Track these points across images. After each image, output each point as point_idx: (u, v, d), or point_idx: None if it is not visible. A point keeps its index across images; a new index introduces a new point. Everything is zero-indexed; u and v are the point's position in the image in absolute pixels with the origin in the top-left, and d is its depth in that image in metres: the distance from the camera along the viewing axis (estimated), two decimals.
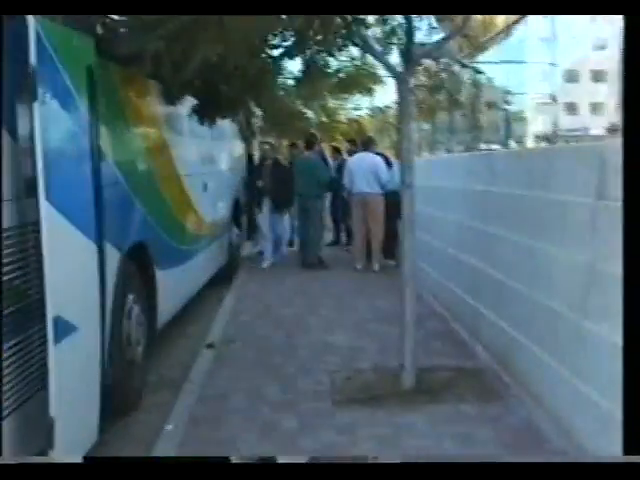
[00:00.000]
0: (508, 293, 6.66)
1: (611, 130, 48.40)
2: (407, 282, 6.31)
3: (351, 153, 15.12)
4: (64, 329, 4.30)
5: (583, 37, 69.42)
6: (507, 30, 15.87)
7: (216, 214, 10.81)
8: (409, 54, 6.07)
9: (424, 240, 9.88)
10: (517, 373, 6.34)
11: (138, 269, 6.59)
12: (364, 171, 12.45)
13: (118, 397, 5.78)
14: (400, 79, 6.08)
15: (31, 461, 2.80)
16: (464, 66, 10.99)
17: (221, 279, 11.41)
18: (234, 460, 2.92)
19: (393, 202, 12.00)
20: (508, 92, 49.66)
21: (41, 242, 4.06)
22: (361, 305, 9.62)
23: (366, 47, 6.14)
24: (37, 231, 4.09)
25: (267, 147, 14.23)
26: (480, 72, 17.36)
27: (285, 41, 6.49)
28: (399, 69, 6.16)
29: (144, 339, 6.61)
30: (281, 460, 3.06)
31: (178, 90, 6.98)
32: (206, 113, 7.67)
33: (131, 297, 6.31)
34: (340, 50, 6.66)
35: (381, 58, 6.19)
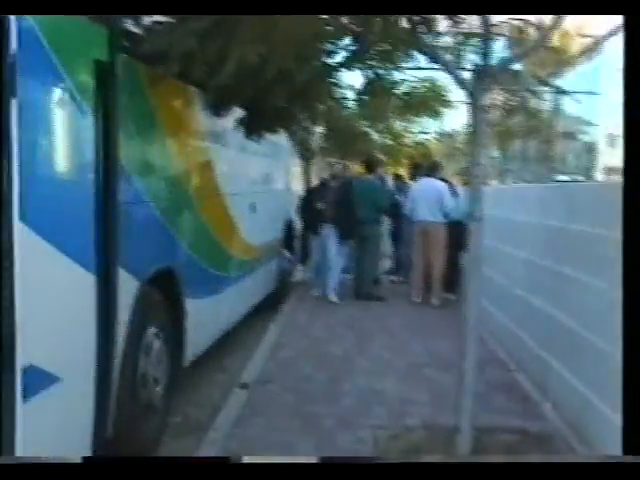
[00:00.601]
0: (584, 346, 5.78)
1: None
2: (470, 327, 5.46)
3: (414, 178, 14.31)
4: (39, 380, 3.54)
5: None
6: (582, 55, 14.94)
7: (264, 237, 10.05)
8: (484, 67, 5.24)
9: (488, 276, 8.99)
10: (591, 440, 5.46)
11: (163, 299, 5.85)
12: (427, 198, 11.60)
13: (127, 448, 5.04)
14: (473, 96, 5.25)
15: (31, 461, 2.75)
16: (546, 84, 10.04)
17: (268, 307, 10.67)
18: (234, 460, 2.98)
19: (457, 232, 11.24)
20: (586, 122, 48.18)
21: (12, 275, 3.29)
22: (416, 346, 8.74)
23: (434, 56, 5.30)
24: (9, 261, 3.31)
25: (338, 166, 12.68)
26: (564, 92, 16.27)
27: (340, 46, 5.69)
28: (472, 85, 5.34)
29: (166, 378, 5.85)
30: (281, 460, 3.17)
31: (216, 96, 6.21)
32: (251, 125, 6.86)
33: (152, 331, 5.56)
34: (404, 59, 5.83)
35: (451, 70, 5.35)
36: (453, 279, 11.76)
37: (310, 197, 12.23)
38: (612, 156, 69.14)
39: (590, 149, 62.08)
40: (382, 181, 13.73)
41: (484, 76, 5.27)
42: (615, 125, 70.47)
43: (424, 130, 20.79)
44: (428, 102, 17.85)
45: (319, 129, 14.34)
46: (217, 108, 6.64)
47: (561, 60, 14.29)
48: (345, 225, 11.47)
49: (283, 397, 6.67)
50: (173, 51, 4.69)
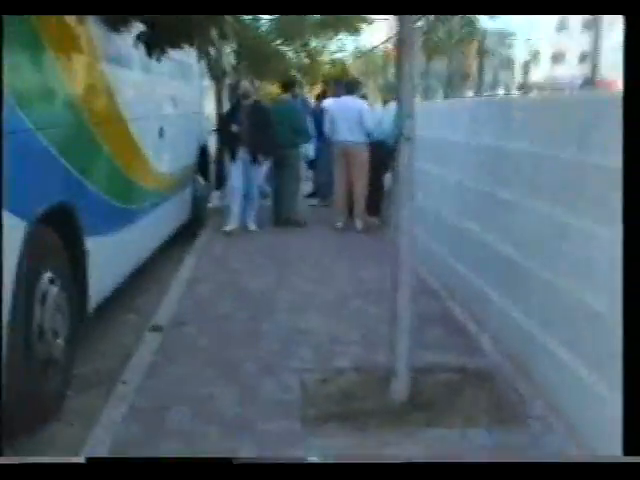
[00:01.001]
0: (523, 275, 5.38)
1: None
2: (403, 257, 4.96)
3: (332, 96, 13.68)
4: None
5: None
6: None
7: (175, 164, 9.35)
8: None
9: (417, 201, 8.56)
10: (533, 375, 5.11)
11: (59, 239, 5.18)
12: (347, 117, 10.96)
13: (23, 408, 4.45)
14: None
15: (31, 461, 2.64)
16: None
17: (183, 238, 10.05)
18: (234, 460, 2.76)
19: (379, 153, 10.78)
20: (507, 36, 47.63)
21: None
22: (341, 276, 8.22)
23: None
24: None
25: (246, 85, 11.72)
26: None
27: None
28: None
29: (67, 328, 5.21)
30: (281, 460, 3.19)
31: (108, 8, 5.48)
32: (151, 41, 6.12)
33: (47, 276, 4.90)
34: None
35: None
36: (377, 202, 11.33)
37: (224, 120, 11.48)
38: (533, 71, 69.62)
39: (508, 65, 62.14)
40: (303, 102, 13.07)
41: None
42: (536, 39, 71.02)
43: (342, 48, 20.04)
44: (345, 18, 17.28)
45: (231, 47, 13.52)
46: (112, 23, 5.90)
47: None
48: (260, 146, 10.86)
49: (199, 340, 6.09)
50: None
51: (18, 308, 4.36)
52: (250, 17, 17.14)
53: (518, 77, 68.45)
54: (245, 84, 11.55)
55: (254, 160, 10.92)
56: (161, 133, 8.29)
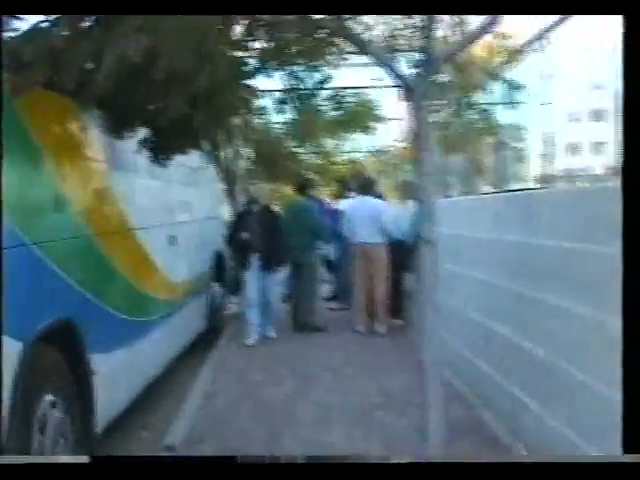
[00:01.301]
0: (560, 378, 4.95)
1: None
2: (429, 362, 4.65)
3: (347, 197, 13.46)
4: None
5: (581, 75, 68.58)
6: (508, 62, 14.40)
7: (189, 272, 9.06)
8: (425, 59, 4.41)
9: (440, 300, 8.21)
10: None
11: (62, 358, 4.86)
12: (364, 218, 10.70)
13: None
14: (414, 92, 4.39)
15: (31, 461, 2.75)
16: (493, 78, 9.18)
17: (199, 347, 9.69)
18: (234, 460, 2.84)
19: (399, 252, 10.48)
20: (521, 128, 47.49)
21: None
22: (364, 384, 7.79)
23: (365, 48, 4.42)
24: None
25: (254, 190, 11.65)
26: (518, 87, 15.60)
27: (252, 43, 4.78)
28: (412, 81, 4.50)
29: (70, 453, 4.84)
30: (281, 460, 3.29)
31: (109, 112, 5.27)
32: (155, 145, 5.86)
33: (47, 399, 4.56)
34: (329, 53, 4.97)
35: (387, 62, 4.48)
36: (398, 303, 10.94)
37: (234, 227, 10.99)
38: (549, 164, 69.79)
39: (522, 157, 62.22)
40: (319, 202, 12.81)
41: (425, 70, 4.46)
42: (550, 132, 71.36)
43: (356, 147, 19.92)
44: (359, 118, 17.17)
45: (243, 151, 13.38)
46: (114, 128, 5.65)
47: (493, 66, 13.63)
48: (272, 254, 10.43)
49: None
50: (41, 56, 3.72)
51: (13, 436, 4.01)
52: (262, 120, 17.11)
53: (534, 170, 68.59)
54: (253, 189, 11.38)
55: (267, 268, 10.50)
56: (173, 241, 8.02)
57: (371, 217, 10.61)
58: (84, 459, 3.47)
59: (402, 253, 10.62)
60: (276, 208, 11.82)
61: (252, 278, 10.51)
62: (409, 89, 4.42)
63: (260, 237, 10.30)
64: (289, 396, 7.41)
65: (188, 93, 4.54)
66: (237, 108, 5.89)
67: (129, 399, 6.41)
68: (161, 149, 5.87)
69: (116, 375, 5.84)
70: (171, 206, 8.31)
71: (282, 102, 6.33)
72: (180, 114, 4.66)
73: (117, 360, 5.89)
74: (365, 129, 18.05)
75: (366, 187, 11.28)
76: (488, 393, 6.69)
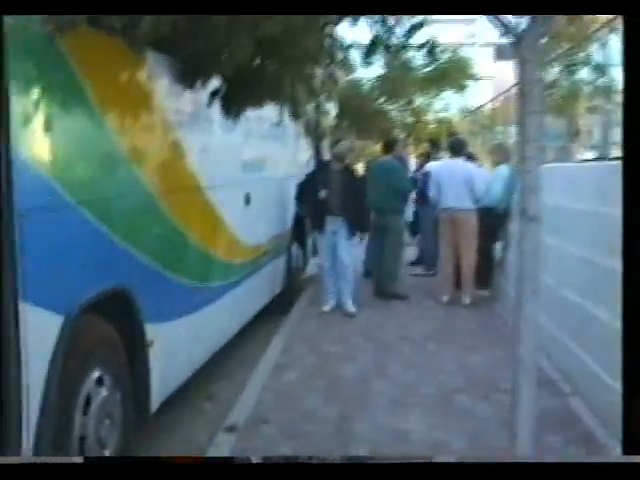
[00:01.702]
0: None
1: None
2: (525, 350, 4.15)
3: (437, 158, 12.77)
4: None
5: None
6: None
7: (266, 233, 8.58)
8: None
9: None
10: None
11: (114, 329, 4.42)
12: (454, 182, 10.04)
13: None
14: (521, 44, 3.78)
15: (31, 461, 2.70)
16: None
17: (274, 312, 9.28)
18: (234, 460, 3.12)
19: (488, 220, 9.87)
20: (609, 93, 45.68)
21: None
22: (447, 363, 7.23)
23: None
24: None
25: (344, 146, 10.08)
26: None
27: None
28: (521, 34, 3.91)
29: (119, 436, 4.42)
30: (281, 460, 3.56)
31: (182, 60, 4.78)
32: (229, 98, 5.34)
33: (94, 376, 4.14)
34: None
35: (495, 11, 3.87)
36: (486, 274, 10.30)
37: (309, 184, 9.83)
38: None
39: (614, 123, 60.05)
40: (402, 162, 12.16)
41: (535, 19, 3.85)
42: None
43: (447, 106, 19.09)
44: (451, 75, 16.45)
45: (329, 105, 12.77)
46: (183, 76, 5.16)
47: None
48: (355, 216, 9.52)
49: (281, 444, 5.21)
50: None
51: (51, 417, 3.58)
52: (349, 74, 16.54)
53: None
54: (343, 145, 10.05)
55: (350, 234, 9.57)
56: (248, 200, 7.54)
57: (461, 181, 9.95)
58: (84, 459, 3.41)
59: (492, 221, 10.04)
60: (360, 168, 11.14)
61: (326, 244, 9.68)
62: (517, 39, 3.80)
63: (339, 198, 9.42)
64: (364, 373, 6.90)
65: (255, 38, 4.00)
66: (315, 58, 5.35)
67: (190, 371, 5.98)
68: (233, 100, 5.37)
69: (176, 347, 5.43)
70: (248, 163, 7.78)
71: (370, 55, 5.72)
72: (248, 62, 4.13)
73: (178, 330, 5.46)
74: (457, 87, 17.30)
75: (457, 148, 10.52)
76: (582, 382, 6.08)
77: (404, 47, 6.16)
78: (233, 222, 6.98)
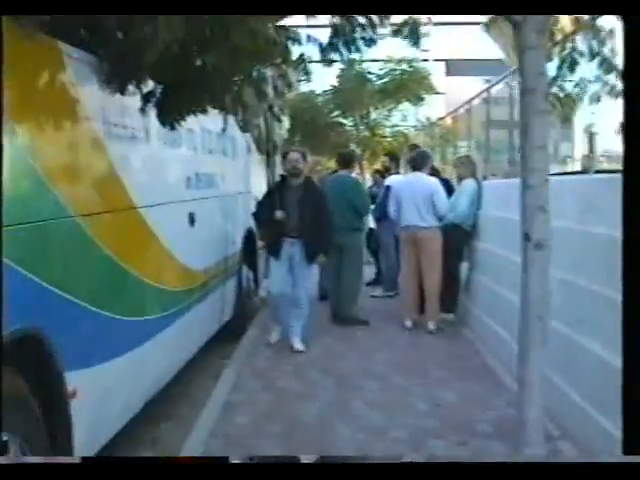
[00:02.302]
0: None
1: None
2: (531, 396, 4.19)
3: (394, 173, 12.06)
4: None
5: None
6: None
7: (213, 255, 7.79)
8: None
9: (506, 299, 7.15)
10: None
11: (24, 382, 3.63)
12: (415, 198, 9.31)
13: None
14: (522, 29, 3.11)
15: (31, 461, 2.74)
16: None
17: (226, 339, 8.54)
18: (234, 460, 2.84)
19: (454, 238, 9.21)
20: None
21: None
22: (417, 399, 6.48)
23: None
24: None
25: (294, 157, 8.64)
26: None
27: None
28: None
29: None
30: (280, 460, 3.38)
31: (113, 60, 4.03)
32: (166, 103, 4.59)
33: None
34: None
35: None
36: (452, 296, 9.58)
37: (265, 203, 8.75)
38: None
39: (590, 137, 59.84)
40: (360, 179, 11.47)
41: None
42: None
43: (404, 119, 18.45)
44: (408, 86, 15.91)
45: (282, 117, 12.06)
46: (114, 81, 4.40)
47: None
48: (318, 240, 8.40)
49: None
50: None
51: None
52: (305, 88, 15.99)
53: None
54: (294, 156, 8.63)
55: (310, 259, 8.41)
56: (192, 220, 6.76)
57: (423, 196, 9.26)
58: (84, 459, 3.23)
59: (457, 238, 9.41)
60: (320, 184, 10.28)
61: (280, 269, 8.50)
62: (517, 25, 3.12)
63: (299, 217, 8.33)
64: (324, 413, 6.13)
65: (190, 32, 3.31)
66: (263, 55, 4.63)
67: (127, 418, 5.18)
68: (170, 106, 4.61)
69: (107, 393, 4.64)
70: (191, 178, 6.99)
71: (327, 53, 5.07)
72: (184, 61, 3.42)
73: (109, 373, 4.67)
74: (415, 99, 16.74)
75: (420, 162, 9.77)
76: (571, 424, 5.39)
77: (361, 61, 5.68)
78: (175, 245, 6.19)
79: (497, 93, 10.61)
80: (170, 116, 4.73)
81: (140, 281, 5.38)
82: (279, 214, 8.32)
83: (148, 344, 5.46)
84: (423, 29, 5.44)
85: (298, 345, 8.32)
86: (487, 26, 6.82)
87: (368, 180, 15.25)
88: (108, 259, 4.76)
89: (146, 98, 4.66)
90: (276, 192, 8.71)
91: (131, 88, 4.62)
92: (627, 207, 3.29)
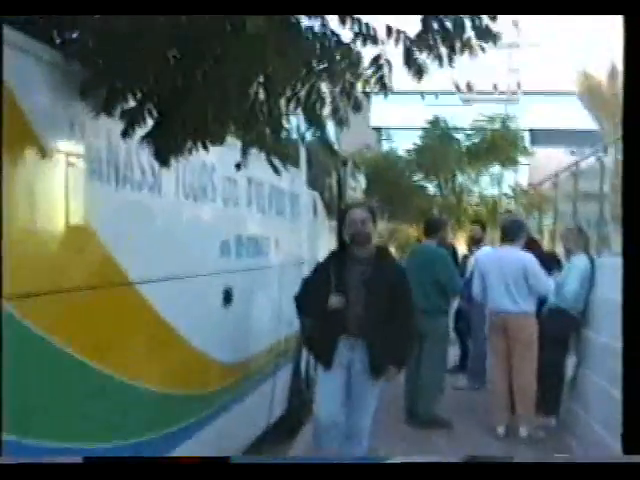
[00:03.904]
0: None
1: None
2: None
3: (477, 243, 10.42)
4: None
5: None
6: None
7: (259, 343, 6.21)
8: None
9: (606, 392, 6.36)
10: None
11: None
12: (505, 275, 7.62)
13: None
14: None
15: (31, 461, 2.59)
16: None
17: (273, 441, 6.91)
18: (234, 460, 2.84)
19: (557, 327, 7.65)
20: None
21: None
22: None
23: None
24: None
25: (359, 214, 5.82)
26: None
27: None
28: None
29: None
30: (281, 460, 3.60)
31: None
32: (165, 137, 3.18)
33: None
34: None
35: None
36: (551, 395, 7.86)
37: (314, 283, 5.92)
38: None
39: None
40: (452, 250, 9.86)
41: None
42: None
43: (495, 182, 16.88)
44: (500, 146, 14.48)
45: (359, 177, 10.61)
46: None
47: None
48: (392, 339, 5.63)
49: None
50: None
51: None
52: (386, 147, 14.86)
53: None
54: (358, 214, 5.83)
55: (378, 371, 5.71)
56: (228, 298, 5.25)
57: (514, 274, 7.58)
58: (84, 459, 2.79)
59: (562, 327, 7.76)
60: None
61: (334, 383, 5.73)
62: None
63: (365, 306, 5.65)
64: None
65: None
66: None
67: None
68: (168, 140, 3.16)
69: None
70: (224, 243, 5.45)
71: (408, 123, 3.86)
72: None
73: None
74: (508, 161, 15.24)
75: (512, 232, 8.06)
76: None
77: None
78: (199, 334, 4.68)
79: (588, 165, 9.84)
80: (167, 151, 3.28)
81: (133, 390, 3.87)
82: (335, 300, 5.62)
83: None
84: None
85: None
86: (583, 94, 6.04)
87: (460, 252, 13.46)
88: (77, 364, 3.27)
89: (145, 136, 3.23)
90: (332, 267, 5.84)
91: (121, 113, 3.18)
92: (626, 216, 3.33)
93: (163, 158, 3.36)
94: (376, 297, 5.64)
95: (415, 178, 15.49)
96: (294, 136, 5.69)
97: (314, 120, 3.67)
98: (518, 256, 7.77)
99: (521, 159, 15.99)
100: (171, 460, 3.11)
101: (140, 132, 3.33)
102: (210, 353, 4.96)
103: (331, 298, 5.57)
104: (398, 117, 25.96)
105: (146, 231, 4.12)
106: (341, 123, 3.76)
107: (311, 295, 5.82)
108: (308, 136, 6.53)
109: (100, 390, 3.60)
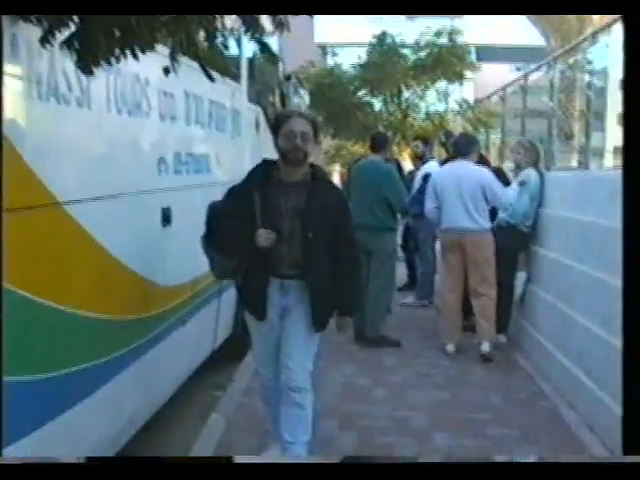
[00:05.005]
0: None
1: None
2: None
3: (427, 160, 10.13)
4: None
5: None
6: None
7: (203, 261, 5.90)
8: None
9: (557, 310, 6.57)
10: None
11: None
12: (462, 192, 7.37)
13: None
14: None
15: (31, 461, 2.55)
16: None
17: (221, 363, 6.82)
18: (234, 460, 2.75)
19: (505, 241, 7.46)
20: None
21: None
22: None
23: None
24: None
25: (301, 127, 4.40)
26: None
27: None
28: None
29: None
30: (281, 460, 3.52)
31: None
32: (87, 45, 2.85)
33: None
34: None
35: None
36: (503, 312, 7.71)
37: (232, 212, 4.52)
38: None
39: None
40: (398, 165, 9.61)
41: None
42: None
43: (442, 98, 16.57)
44: (446, 61, 14.20)
45: (303, 93, 10.27)
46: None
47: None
48: (336, 281, 4.56)
49: None
50: None
51: None
52: (331, 63, 14.50)
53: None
54: (299, 123, 4.43)
55: (320, 320, 4.56)
56: (167, 219, 4.96)
57: (472, 190, 7.35)
58: (84, 459, 2.88)
59: (514, 242, 7.62)
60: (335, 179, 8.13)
61: (269, 334, 4.62)
62: None
63: (302, 241, 4.44)
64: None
65: None
66: None
67: None
68: (92, 47, 2.84)
69: None
70: (161, 160, 5.07)
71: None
72: None
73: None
74: (454, 75, 14.98)
75: (465, 147, 7.74)
76: None
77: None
78: (136, 256, 4.40)
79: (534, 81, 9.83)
80: (90, 59, 2.93)
81: (77, 319, 3.60)
82: (264, 236, 4.37)
83: (111, 386, 4.02)
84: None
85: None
86: None
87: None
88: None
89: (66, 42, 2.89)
90: (256, 193, 4.47)
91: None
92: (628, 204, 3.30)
93: (87, 67, 3.01)
94: (314, 229, 4.42)
95: (360, 94, 15.14)
96: (234, 48, 5.35)
97: (251, 24, 3.34)
98: (475, 171, 7.55)
99: (467, 74, 15.67)
100: (173, 460, 3.04)
101: (61, 39, 2.99)
102: (149, 276, 4.68)
103: (259, 233, 4.34)
104: (343, 34, 25.63)
105: (74, 148, 3.79)
106: (281, 26, 3.41)
107: (228, 230, 4.46)
108: (248, 47, 6.19)
109: (33, 319, 3.32)
